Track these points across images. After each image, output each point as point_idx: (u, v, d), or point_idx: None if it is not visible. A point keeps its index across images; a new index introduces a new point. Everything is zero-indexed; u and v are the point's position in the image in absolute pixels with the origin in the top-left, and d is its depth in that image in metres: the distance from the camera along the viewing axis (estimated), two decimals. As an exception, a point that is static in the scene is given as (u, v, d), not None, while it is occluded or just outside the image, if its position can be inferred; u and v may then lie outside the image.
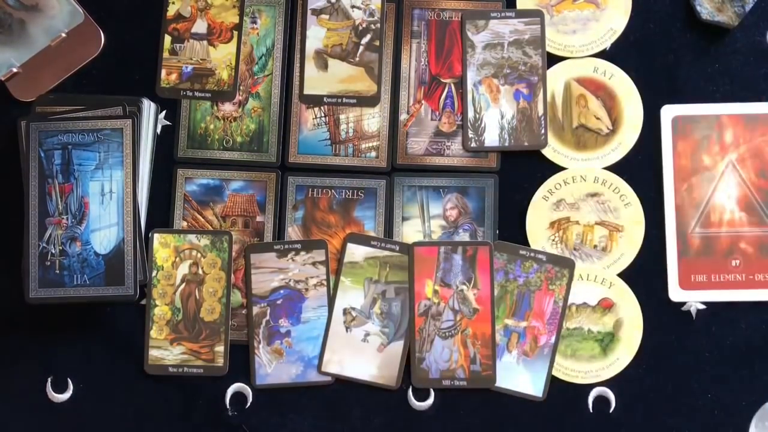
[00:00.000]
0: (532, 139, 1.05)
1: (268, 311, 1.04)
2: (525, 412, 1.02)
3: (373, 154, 1.06)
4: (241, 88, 1.07)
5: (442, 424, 1.03)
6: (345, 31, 1.07)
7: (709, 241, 1.03)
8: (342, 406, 1.03)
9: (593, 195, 1.05)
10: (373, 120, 1.06)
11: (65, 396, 1.04)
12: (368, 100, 1.06)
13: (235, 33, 1.07)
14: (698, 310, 1.03)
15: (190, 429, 1.03)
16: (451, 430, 1.03)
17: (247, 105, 1.06)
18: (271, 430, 1.04)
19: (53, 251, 0.99)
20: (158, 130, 1.06)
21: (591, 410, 1.02)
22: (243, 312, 1.04)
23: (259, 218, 1.05)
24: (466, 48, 1.06)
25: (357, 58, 1.07)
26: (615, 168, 1.05)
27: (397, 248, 1.04)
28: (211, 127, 1.06)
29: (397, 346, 1.03)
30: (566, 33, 1.07)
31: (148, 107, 1.04)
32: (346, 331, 1.03)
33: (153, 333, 1.03)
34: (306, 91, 1.06)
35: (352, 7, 1.07)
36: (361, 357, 1.03)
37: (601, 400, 1.03)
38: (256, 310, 1.04)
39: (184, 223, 1.05)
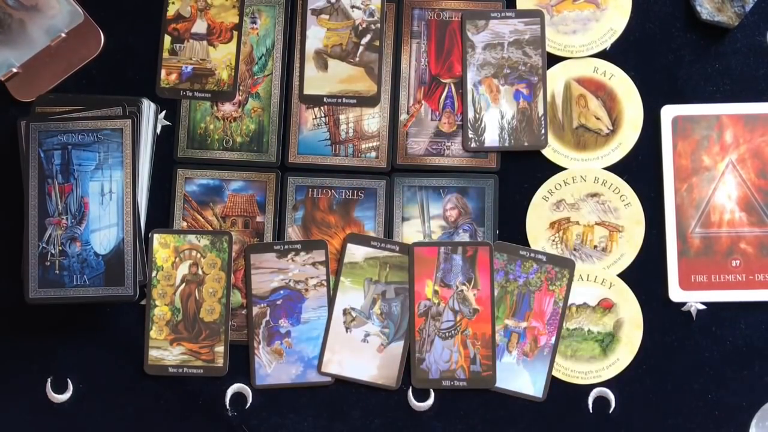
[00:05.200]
0: (532, 139, 1.05)
1: (268, 311, 1.04)
2: (525, 412, 1.02)
3: (373, 154, 1.06)
4: (240, 88, 1.07)
5: (442, 424, 1.03)
6: (345, 31, 1.07)
7: (710, 241, 1.03)
8: (342, 407, 1.03)
9: (593, 195, 1.05)
10: (373, 120, 1.06)
11: (65, 396, 1.04)
12: (368, 100, 1.06)
13: (235, 33, 1.07)
14: (698, 311, 1.03)
15: (190, 429, 1.03)
16: (451, 430, 1.03)
17: (247, 105, 1.06)
18: (271, 431, 1.04)
19: (53, 251, 0.99)
20: (158, 131, 1.06)
21: (591, 411, 1.02)
22: (243, 312, 1.04)
23: (259, 218, 1.05)
24: (466, 48, 1.06)
25: (357, 58, 1.07)
26: (615, 168, 1.05)
27: (397, 248, 1.04)
28: (211, 127, 1.06)
29: (397, 347, 1.03)
30: (566, 33, 1.07)
31: (148, 107, 1.04)
32: (346, 331, 1.03)
33: (153, 333, 1.03)
34: (306, 91, 1.06)
35: (352, 7, 1.07)
36: (361, 357, 1.03)
37: (601, 400, 1.03)
38: (256, 310, 1.04)
39: (184, 224, 1.05)
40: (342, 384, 1.03)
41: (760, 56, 1.06)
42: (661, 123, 1.05)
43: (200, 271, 1.04)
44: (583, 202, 1.05)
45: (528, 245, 1.04)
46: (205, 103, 1.07)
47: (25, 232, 1.00)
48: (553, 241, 1.04)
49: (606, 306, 1.03)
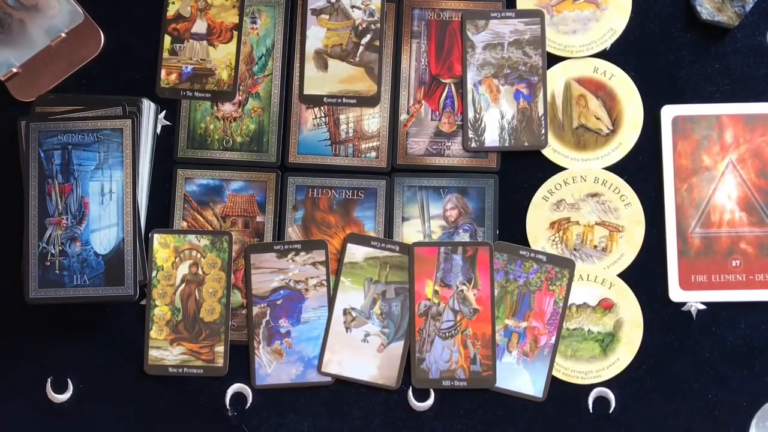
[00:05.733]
0: (533, 139, 1.05)
1: (268, 311, 1.04)
2: (525, 412, 1.02)
3: (373, 154, 1.06)
4: (240, 88, 1.07)
5: (442, 424, 1.03)
6: (345, 31, 1.07)
7: (710, 241, 1.03)
8: (342, 407, 1.03)
9: (593, 195, 1.05)
10: (373, 120, 1.06)
11: (65, 396, 1.04)
12: (368, 100, 1.06)
13: (235, 33, 1.07)
14: (698, 311, 1.03)
15: (190, 429, 1.03)
16: (451, 430, 1.03)
17: (247, 105, 1.06)
18: (271, 431, 1.04)
19: (53, 251, 0.99)
20: (158, 131, 1.06)
21: (591, 411, 1.02)
22: (243, 312, 1.04)
23: (259, 218, 1.05)
24: (466, 48, 1.06)
25: (357, 58, 1.07)
26: (615, 168, 1.05)
27: (397, 248, 1.04)
28: (211, 127, 1.06)
29: (397, 347, 1.03)
30: (566, 33, 1.07)
31: (148, 107, 1.04)
32: (346, 331, 1.03)
33: (153, 333, 1.03)
34: (306, 91, 1.06)
35: (352, 7, 1.07)
36: (361, 357, 1.03)
37: (601, 400, 1.03)
38: (256, 310, 1.04)
39: (184, 224, 1.05)
40: (342, 384, 1.03)
41: (760, 56, 1.06)
42: (661, 123, 1.05)
43: (200, 271, 1.04)
44: (583, 202, 1.05)
45: (528, 245, 1.04)
46: (205, 103, 1.07)
47: (25, 232, 1.00)
48: (553, 241, 1.04)
49: (606, 306, 1.03)
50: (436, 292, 1.03)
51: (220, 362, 1.03)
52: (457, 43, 1.07)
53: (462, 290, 1.03)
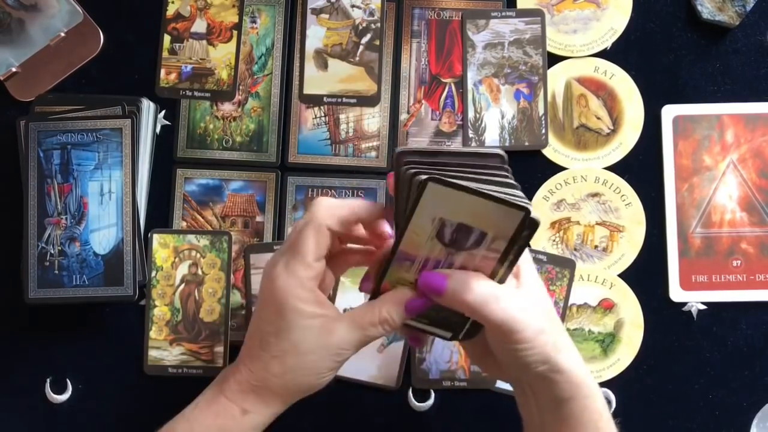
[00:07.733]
0: (533, 139, 1.05)
1: (268, 312, 1.03)
2: (525, 412, 1.02)
3: (373, 154, 1.05)
4: (240, 87, 1.06)
5: (443, 424, 1.02)
6: (345, 30, 1.07)
7: (710, 241, 1.03)
8: (342, 407, 1.03)
9: (594, 195, 1.04)
10: (373, 120, 1.06)
11: (64, 397, 1.03)
12: (368, 100, 1.06)
13: (235, 32, 1.07)
14: (699, 311, 1.03)
15: (189, 429, 1.03)
16: (451, 430, 1.02)
17: (247, 105, 1.06)
18: (271, 431, 1.03)
19: (52, 251, 0.99)
20: (157, 130, 1.06)
21: (591, 411, 1.02)
22: (243, 312, 1.04)
23: (258, 218, 1.05)
24: (466, 47, 1.06)
25: (357, 58, 1.06)
26: (616, 168, 1.05)
27: (397, 248, 1.03)
28: (211, 126, 1.06)
29: (397, 347, 1.03)
30: (567, 32, 1.06)
31: (148, 107, 1.04)
32: (346, 331, 1.03)
33: (152, 333, 1.03)
34: (306, 91, 1.06)
35: (352, 6, 1.07)
36: (361, 357, 1.02)
37: (601, 400, 1.02)
38: (255, 310, 1.03)
39: (184, 224, 1.05)
40: (342, 384, 1.03)
41: (761, 56, 1.06)
42: (661, 123, 1.05)
43: (200, 271, 1.04)
44: (583, 202, 1.04)
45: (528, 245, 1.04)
46: (205, 102, 1.06)
47: (24, 232, 0.99)
48: (554, 241, 1.04)
49: (607, 306, 1.03)
50: (436, 292, 1.02)
51: (219, 362, 1.03)
52: (457, 43, 1.07)
53: (462, 290, 1.02)
